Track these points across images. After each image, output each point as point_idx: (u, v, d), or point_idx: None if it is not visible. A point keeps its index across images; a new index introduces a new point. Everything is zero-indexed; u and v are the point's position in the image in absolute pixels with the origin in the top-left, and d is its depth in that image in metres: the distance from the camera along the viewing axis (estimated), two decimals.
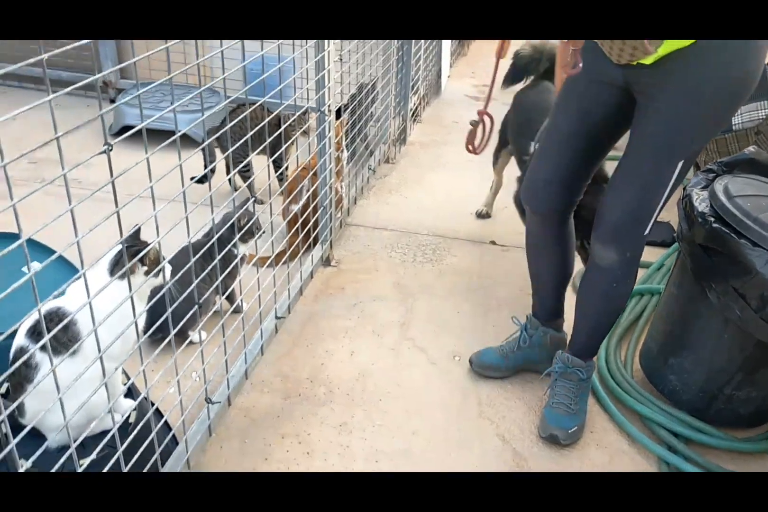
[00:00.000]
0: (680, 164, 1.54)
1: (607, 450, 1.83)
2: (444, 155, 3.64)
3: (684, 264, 1.85)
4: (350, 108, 3.01)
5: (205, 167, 2.74)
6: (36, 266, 1.02)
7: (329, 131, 2.34)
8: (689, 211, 1.79)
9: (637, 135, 1.59)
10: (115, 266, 1.49)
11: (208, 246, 1.74)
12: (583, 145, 1.70)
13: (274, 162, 2.35)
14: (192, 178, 2.62)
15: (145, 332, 1.62)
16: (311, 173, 2.39)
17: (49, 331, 1.24)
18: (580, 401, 1.86)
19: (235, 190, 2.75)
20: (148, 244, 1.52)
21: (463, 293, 2.46)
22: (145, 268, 1.52)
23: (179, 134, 1.35)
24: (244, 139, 1.76)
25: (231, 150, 1.74)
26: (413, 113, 3.92)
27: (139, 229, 1.53)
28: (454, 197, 3.16)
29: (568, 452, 1.82)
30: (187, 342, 1.76)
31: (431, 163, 3.54)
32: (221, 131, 1.76)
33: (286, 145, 2.24)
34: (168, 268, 1.60)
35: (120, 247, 1.47)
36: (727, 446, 1.81)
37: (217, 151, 2.84)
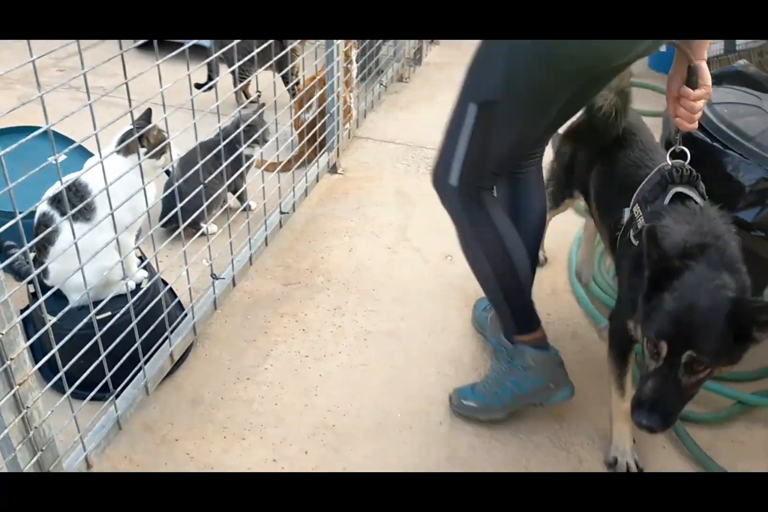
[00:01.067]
0: (472, 107, 1.38)
1: None
2: (458, 77, 3.64)
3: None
4: None
5: (209, 77, 2.92)
6: (59, 155, 1.16)
7: (337, 54, 2.42)
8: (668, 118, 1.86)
9: None
10: (121, 143, 1.64)
11: (219, 147, 1.86)
12: None
13: (282, 77, 2.45)
14: (197, 85, 2.72)
15: (159, 221, 1.79)
16: (317, 80, 2.49)
17: (68, 199, 1.41)
18: (501, 387, 1.62)
19: (239, 103, 2.89)
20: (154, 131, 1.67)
21: None
22: (144, 149, 1.66)
23: (188, 45, 1.47)
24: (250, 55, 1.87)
25: (237, 65, 1.83)
26: None
27: (150, 111, 1.67)
28: None
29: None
30: (199, 233, 1.91)
31: (444, 84, 3.57)
32: (227, 47, 1.83)
33: (293, 63, 2.34)
34: (174, 152, 1.75)
35: (128, 128, 1.63)
36: None
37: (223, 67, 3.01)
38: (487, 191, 1.52)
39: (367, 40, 3.07)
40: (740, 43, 2.52)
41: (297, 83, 2.73)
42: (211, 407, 1.69)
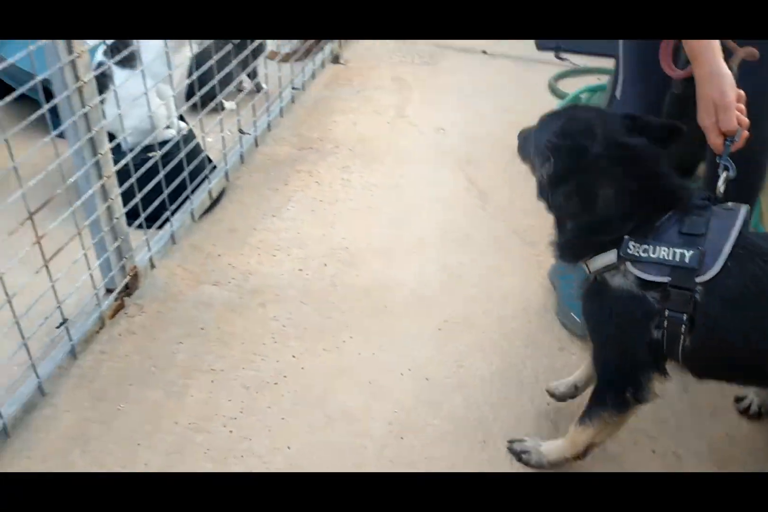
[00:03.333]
0: None
1: None
2: None
3: None
4: None
5: None
6: None
7: None
8: None
9: None
10: None
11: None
12: None
13: None
14: None
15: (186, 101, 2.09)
16: None
17: (118, 50, 1.71)
18: None
19: None
20: None
21: (453, 88, 2.86)
22: None
23: None
24: None
25: None
26: None
27: None
28: None
29: None
30: (224, 110, 2.20)
31: None
32: None
33: None
34: None
35: None
36: None
37: None
38: None
39: None
40: None
41: None
42: (246, 234, 2.03)
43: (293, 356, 1.66)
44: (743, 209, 1.15)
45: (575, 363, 1.65)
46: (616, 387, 1.26)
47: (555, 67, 3.05)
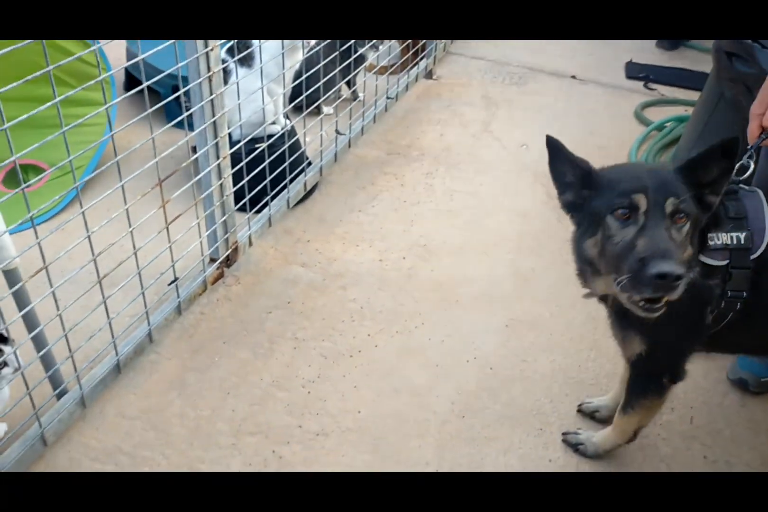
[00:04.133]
0: None
1: None
2: None
3: (710, 82, 2.29)
4: None
5: None
6: None
7: None
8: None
9: None
10: None
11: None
12: None
13: None
14: None
15: (290, 102, 2.30)
16: None
17: (238, 51, 1.92)
18: None
19: None
20: None
21: (540, 109, 2.98)
22: None
23: None
24: None
25: None
26: None
27: None
28: (547, 42, 3.58)
29: None
30: (322, 114, 2.39)
31: None
32: None
33: None
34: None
35: None
36: None
37: None
38: None
39: None
40: None
41: None
42: (333, 224, 2.20)
43: (368, 334, 1.80)
44: (759, 191, 1.23)
45: None
46: (655, 376, 1.34)
47: (642, 95, 3.12)
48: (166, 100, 1.55)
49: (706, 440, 1.60)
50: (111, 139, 1.33)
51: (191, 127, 1.63)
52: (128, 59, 2.76)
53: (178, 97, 2.45)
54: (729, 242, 1.18)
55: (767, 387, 1.70)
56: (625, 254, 1.06)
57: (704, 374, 1.74)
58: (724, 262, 1.19)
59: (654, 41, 3.64)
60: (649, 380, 1.35)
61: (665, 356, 1.33)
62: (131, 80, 2.84)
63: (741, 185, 1.26)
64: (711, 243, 1.19)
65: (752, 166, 1.27)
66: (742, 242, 1.18)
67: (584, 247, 1.17)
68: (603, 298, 1.32)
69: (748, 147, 1.30)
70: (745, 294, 1.19)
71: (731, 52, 2.16)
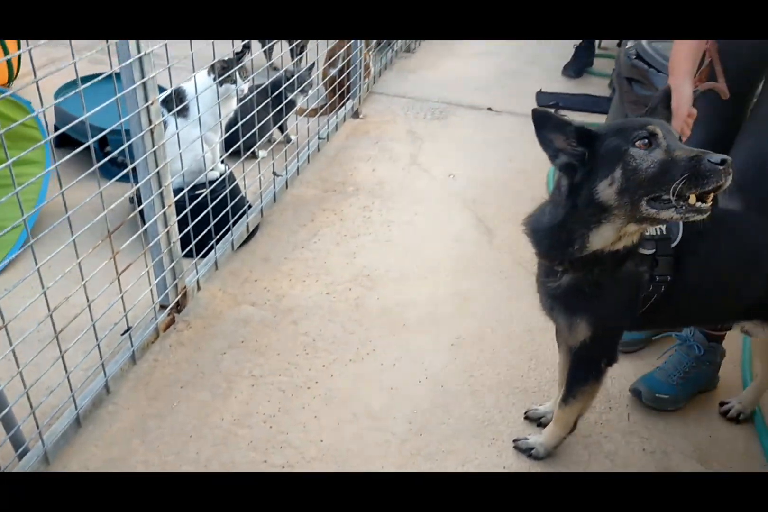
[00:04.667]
0: None
1: None
2: (456, 49, 4.29)
3: (614, 106, 2.53)
4: None
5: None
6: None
7: None
8: (621, 55, 2.46)
9: None
10: (212, 68, 2.25)
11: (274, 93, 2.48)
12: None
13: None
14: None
15: (226, 150, 2.40)
16: (347, 45, 3.10)
17: (174, 103, 2.01)
18: (686, 381, 1.79)
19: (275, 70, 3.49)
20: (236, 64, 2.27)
21: (462, 140, 3.17)
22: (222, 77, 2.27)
23: None
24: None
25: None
26: None
27: (243, 52, 2.28)
28: (461, 77, 3.84)
29: None
30: (258, 158, 2.50)
31: (445, 54, 4.19)
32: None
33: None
34: (243, 85, 2.34)
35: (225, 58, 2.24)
36: None
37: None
38: None
39: None
40: None
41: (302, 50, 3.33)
42: (278, 263, 2.28)
43: (323, 365, 1.87)
44: None
45: None
46: (593, 362, 1.48)
47: None
48: (110, 153, 1.60)
49: (644, 433, 1.74)
50: (58, 197, 1.38)
51: (135, 179, 1.70)
52: (57, 116, 2.79)
53: (105, 151, 2.54)
54: (654, 233, 1.37)
55: (661, 403, 1.79)
56: (666, 167, 1.17)
57: (635, 373, 1.89)
58: (652, 251, 1.37)
59: (560, 71, 3.94)
60: (590, 366, 1.49)
61: (606, 340, 1.47)
62: (60, 137, 2.87)
63: None
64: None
65: None
66: (664, 233, 1.37)
67: (595, 191, 1.23)
68: (564, 272, 1.39)
69: None
70: (669, 278, 1.37)
71: (630, 77, 2.40)
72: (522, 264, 2.33)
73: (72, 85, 2.65)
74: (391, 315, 2.08)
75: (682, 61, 1.46)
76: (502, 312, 2.12)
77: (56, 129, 2.87)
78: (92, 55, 1.44)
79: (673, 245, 1.38)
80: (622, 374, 1.90)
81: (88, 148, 1.43)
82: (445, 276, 2.27)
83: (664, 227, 1.38)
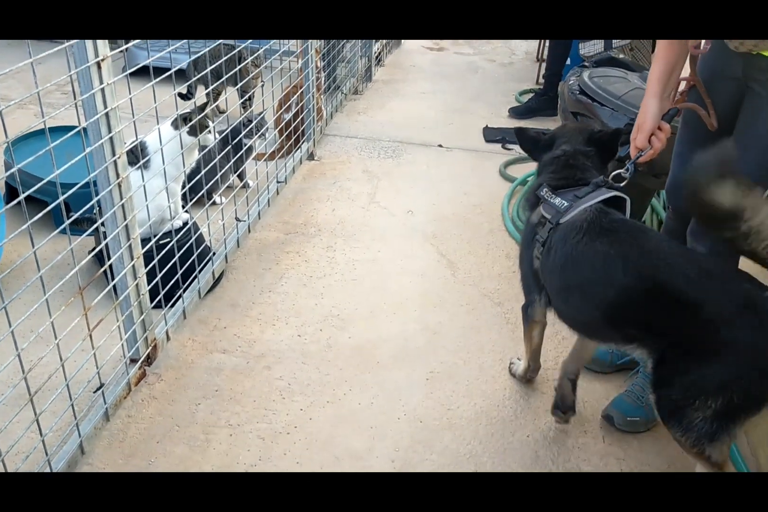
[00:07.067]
0: None
1: None
2: (402, 89, 4.43)
3: None
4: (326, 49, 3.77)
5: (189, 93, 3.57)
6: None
7: (311, 62, 3.13)
8: (565, 90, 2.60)
9: (746, 133, 1.54)
10: (175, 120, 2.27)
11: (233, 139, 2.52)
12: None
13: (243, 97, 3.13)
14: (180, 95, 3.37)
15: (183, 197, 2.41)
16: (293, 88, 3.17)
17: (135, 154, 2.03)
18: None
19: (221, 112, 3.53)
20: (197, 115, 2.30)
21: (416, 177, 3.26)
22: (187, 129, 2.30)
23: (173, 70, 2.00)
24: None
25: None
26: (377, 57, 4.69)
27: (206, 104, 2.32)
28: (410, 116, 3.96)
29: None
30: (221, 205, 2.52)
31: (392, 94, 4.32)
32: (204, 72, 2.40)
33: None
34: (210, 138, 2.37)
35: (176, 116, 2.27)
36: None
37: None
38: None
39: (326, 59, 3.77)
40: (615, 42, 3.33)
41: (249, 99, 3.41)
42: (246, 308, 2.27)
43: (301, 409, 1.86)
44: (611, 193, 1.59)
45: (549, 401, 1.89)
46: (524, 305, 1.81)
47: (503, 156, 3.51)
48: (82, 211, 1.58)
49: (619, 454, 1.79)
50: (30, 255, 1.37)
51: (103, 234, 1.69)
52: (6, 170, 2.75)
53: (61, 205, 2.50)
54: (558, 203, 1.61)
55: (634, 425, 1.84)
56: None
57: (606, 396, 1.95)
58: (549, 216, 1.61)
59: (504, 107, 4.11)
60: (523, 307, 1.83)
61: (522, 280, 1.79)
62: (11, 191, 2.82)
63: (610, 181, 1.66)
64: (550, 199, 1.62)
65: (628, 178, 1.67)
66: (562, 209, 1.59)
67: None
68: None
69: (628, 162, 1.70)
70: (542, 247, 1.62)
71: (576, 111, 2.53)
72: (487, 295, 2.40)
73: (22, 139, 2.63)
74: (364, 353, 2.09)
75: (654, 82, 1.64)
76: (472, 343, 2.16)
77: (7, 185, 2.83)
78: (34, 109, 1.45)
79: (559, 221, 1.59)
80: (594, 397, 1.96)
81: (43, 201, 1.43)
82: (413, 311, 2.30)
83: (566, 203, 1.59)
